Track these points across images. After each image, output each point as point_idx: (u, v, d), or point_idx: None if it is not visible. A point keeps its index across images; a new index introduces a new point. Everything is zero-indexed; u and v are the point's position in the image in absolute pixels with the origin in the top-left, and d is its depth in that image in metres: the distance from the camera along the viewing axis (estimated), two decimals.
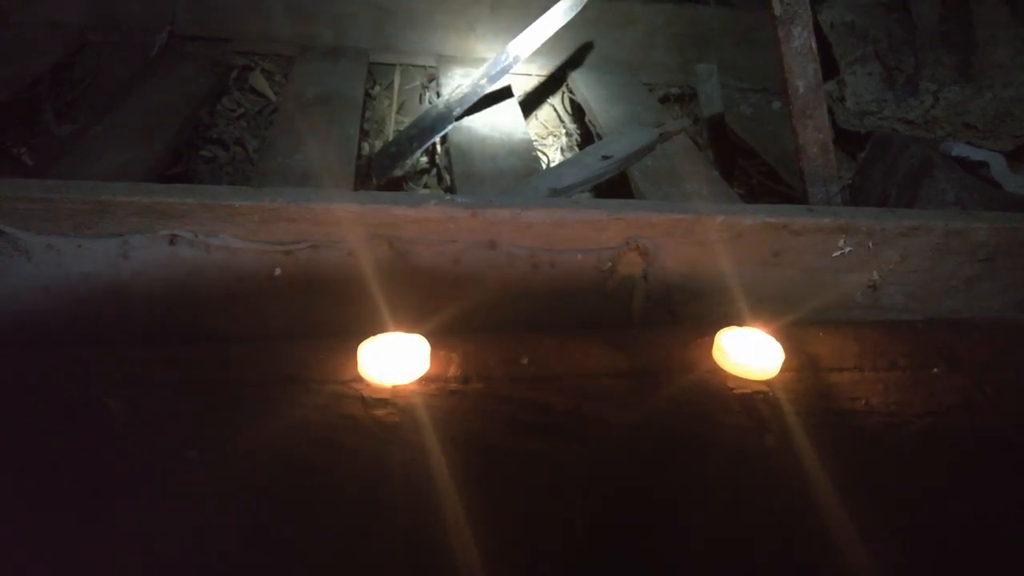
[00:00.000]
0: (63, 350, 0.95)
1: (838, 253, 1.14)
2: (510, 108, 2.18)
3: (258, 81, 2.27)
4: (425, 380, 0.90)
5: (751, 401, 0.91)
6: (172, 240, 0.98)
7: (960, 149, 1.88)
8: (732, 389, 0.93)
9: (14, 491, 0.73)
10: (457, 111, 1.97)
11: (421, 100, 2.42)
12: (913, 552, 0.78)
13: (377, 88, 2.39)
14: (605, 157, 1.86)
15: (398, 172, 2.09)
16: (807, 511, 0.79)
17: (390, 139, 2.15)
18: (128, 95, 1.92)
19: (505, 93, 2.21)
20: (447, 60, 2.37)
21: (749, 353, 0.95)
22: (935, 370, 1.01)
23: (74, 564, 0.67)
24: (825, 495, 0.80)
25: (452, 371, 0.92)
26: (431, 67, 2.41)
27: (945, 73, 2.09)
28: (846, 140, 2.15)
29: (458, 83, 2.06)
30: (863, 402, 0.95)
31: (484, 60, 2.14)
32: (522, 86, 2.47)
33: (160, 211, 0.97)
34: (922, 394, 0.97)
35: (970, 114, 2.03)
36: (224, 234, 0.99)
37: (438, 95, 2.25)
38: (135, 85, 1.99)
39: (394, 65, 2.41)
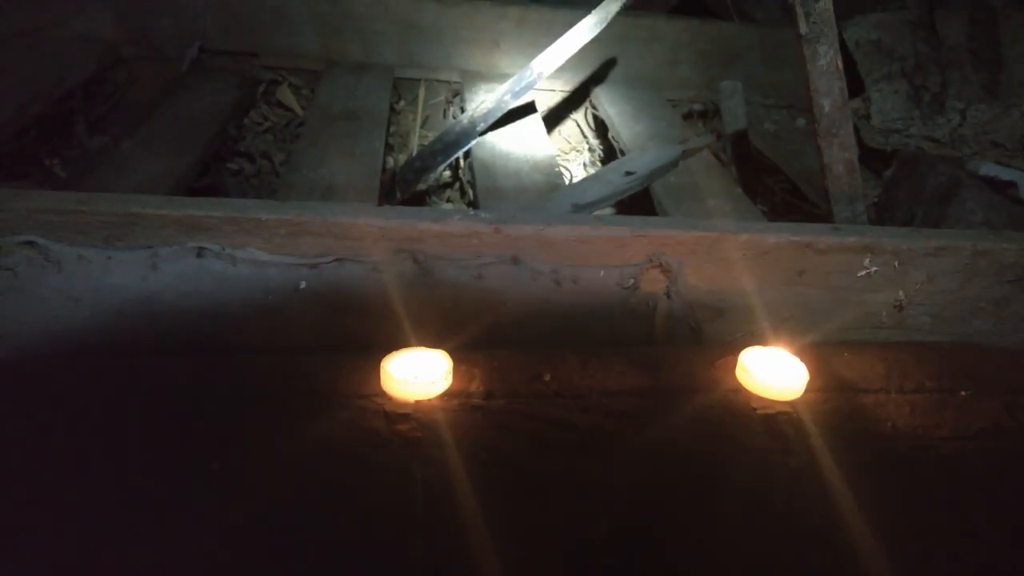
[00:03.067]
0: (90, 360, 0.96)
1: (863, 273, 1.13)
2: (534, 124, 2.18)
3: (285, 95, 2.30)
4: (447, 396, 0.90)
5: (775, 422, 0.91)
6: (199, 253, 1.00)
7: (988, 168, 1.86)
8: (756, 409, 0.92)
9: (35, 501, 0.74)
10: (481, 126, 1.98)
11: (445, 115, 2.44)
12: None
13: (402, 103, 2.41)
14: (628, 173, 1.86)
15: (421, 186, 2.11)
16: (831, 534, 0.78)
17: (414, 153, 2.16)
18: (159, 108, 1.96)
19: (529, 109, 2.22)
20: (471, 75, 2.39)
21: (773, 373, 0.95)
22: (963, 393, 0.99)
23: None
24: (850, 518, 0.79)
25: (474, 387, 0.92)
26: (455, 82, 2.42)
27: (972, 91, 2.07)
28: (871, 158, 2.14)
29: (482, 98, 2.07)
30: (889, 424, 0.93)
31: (508, 76, 2.15)
32: (546, 102, 2.48)
33: (188, 224, 0.98)
34: (950, 417, 0.95)
35: (998, 133, 2.01)
36: (250, 247, 1.00)
37: (462, 110, 2.26)
38: (165, 99, 2.02)
39: (419, 80, 2.43)
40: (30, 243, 0.96)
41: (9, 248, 0.96)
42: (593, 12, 1.93)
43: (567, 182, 2.17)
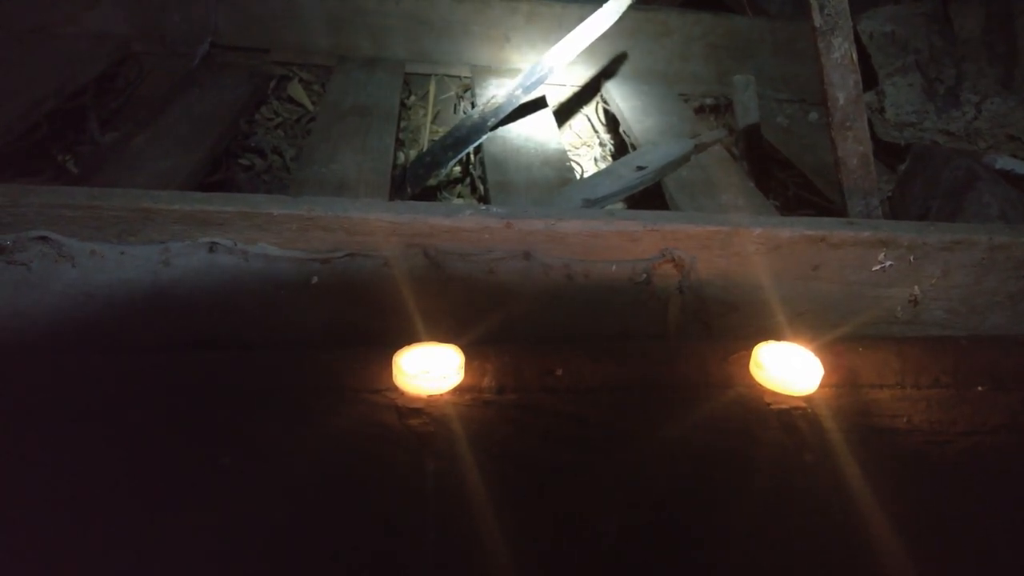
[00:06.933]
0: (104, 355, 0.97)
1: (878, 267, 1.12)
2: (544, 118, 2.18)
3: (296, 91, 2.30)
4: (459, 390, 0.90)
5: (789, 417, 0.90)
6: (212, 248, 1.00)
7: (1004, 162, 1.84)
8: (770, 405, 0.92)
9: (49, 494, 0.74)
10: (492, 121, 1.97)
11: (456, 110, 2.43)
12: (957, 574, 0.76)
13: (412, 98, 2.41)
14: (639, 168, 1.85)
15: (432, 182, 2.11)
16: (847, 530, 0.77)
17: (425, 149, 2.16)
18: (170, 104, 1.96)
19: (539, 103, 2.21)
20: (482, 70, 2.38)
21: (787, 368, 0.94)
22: (980, 388, 0.98)
23: (105, 569, 0.68)
24: (866, 513, 0.78)
25: (486, 382, 0.92)
26: (466, 77, 2.42)
27: (988, 84, 2.05)
28: (885, 152, 2.12)
29: (493, 93, 2.07)
30: (905, 420, 0.93)
31: (519, 70, 2.15)
32: (556, 96, 2.47)
33: (201, 219, 0.98)
34: (966, 412, 0.94)
35: (1014, 126, 1.99)
36: (262, 242, 1.00)
37: (473, 105, 2.26)
38: (177, 94, 2.02)
39: (429, 75, 2.43)
40: (43, 238, 0.96)
41: (23, 243, 0.96)
42: (604, 6, 1.92)
43: (578, 177, 2.16)
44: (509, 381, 0.92)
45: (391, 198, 1.72)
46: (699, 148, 2.00)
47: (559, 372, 0.94)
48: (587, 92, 2.50)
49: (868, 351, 1.02)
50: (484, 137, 1.99)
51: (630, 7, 1.91)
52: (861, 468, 0.83)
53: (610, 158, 2.41)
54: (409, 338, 0.94)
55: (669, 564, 0.74)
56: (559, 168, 1.89)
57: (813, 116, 2.43)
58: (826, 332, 1.07)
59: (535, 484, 0.80)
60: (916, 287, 1.15)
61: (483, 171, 1.95)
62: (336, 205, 1.01)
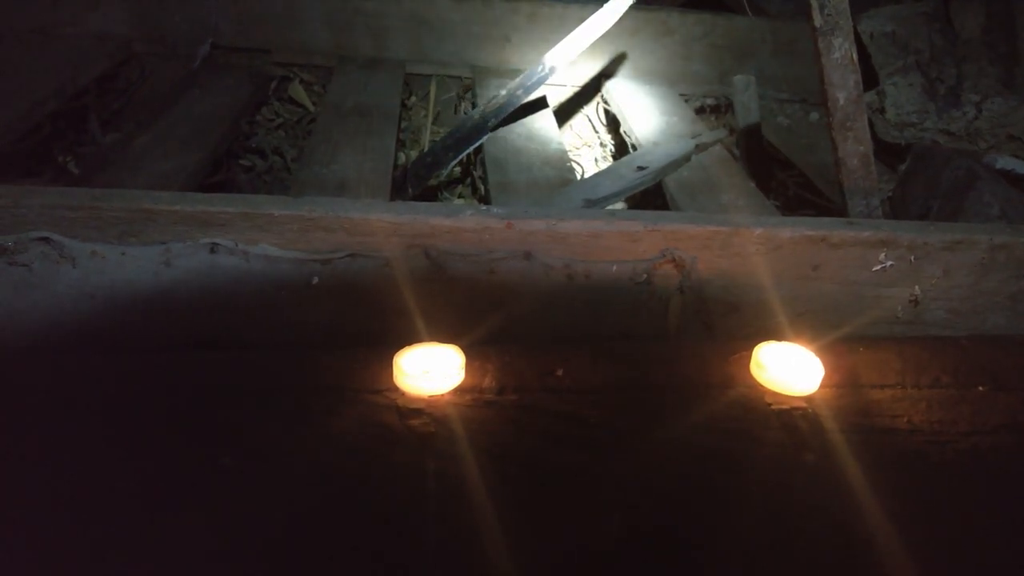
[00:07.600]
0: (104, 355, 0.97)
1: (879, 267, 1.12)
2: (545, 118, 2.18)
3: (297, 91, 2.30)
4: (460, 391, 0.90)
5: (790, 418, 0.90)
6: (213, 249, 1.00)
7: (1004, 162, 1.84)
8: (771, 405, 0.92)
9: (49, 494, 0.74)
10: (493, 122, 1.97)
11: (456, 110, 2.43)
12: (957, 574, 0.76)
13: (413, 99, 2.41)
14: (640, 168, 1.85)
15: (433, 182, 2.11)
16: (847, 530, 0.77)
17: (426, 149, 2.16)
18: (171, 105, 1.96)
19: (540, 103, 2.21)
20: (483, 71, 2.38)
21: (788, 369, 0.94)
22: (980, 388, 0.98)
23: (105, 569, 0.68)
24: (866, 514, 0.78)
25: (487, 382, 0.92)
26: (467, 78, 2.42)
27: (988, 84, 2.05)
28: (886, 152, 2.12)
29: (494, 93, 2.07)
30: (905, 420, 0.93)
31: (519, 71, 2.15)
32: (557, 96, 2.47)
33: (202, 220, 0.98)
34: (967, 413, 0.94)
35: (1014, 126, 1.99)
36: (263, 243, 1.00)
37: (473, 106, 2.26)
38: (178, 95, 2.02)
39: (430, 76, 2.43)
40: (45, 239, 0.96)
41: (24, 244, 0.96)
42: (605, 6, 1.92)
43: (579, 177, 2.16)
44: (510, 381, 0.92)
45: (392, 198, 1.72)
46: (700, 148, 2.00)
47: (559, 372, 0.94)
48: (588, 92, 2.50)
49: (869, 351, 1.02)
50: (485, 137, 1.99)
51: (631, 7, 1.91)
52: (861, 468, 0.83)
53: (611, 158, 2.41)
54: (410, 338, 0.94)
55: (669, 564, 0.74)
56: (560, 168, 1.89)
57: (814, 116, 2.43)
58: (827, 332, 1.07)
59: (535, 484, 0.80)
60: (917, 287, 1.15)
61: (484, 171, 1.95)
62: (337, 205, 1.01)
